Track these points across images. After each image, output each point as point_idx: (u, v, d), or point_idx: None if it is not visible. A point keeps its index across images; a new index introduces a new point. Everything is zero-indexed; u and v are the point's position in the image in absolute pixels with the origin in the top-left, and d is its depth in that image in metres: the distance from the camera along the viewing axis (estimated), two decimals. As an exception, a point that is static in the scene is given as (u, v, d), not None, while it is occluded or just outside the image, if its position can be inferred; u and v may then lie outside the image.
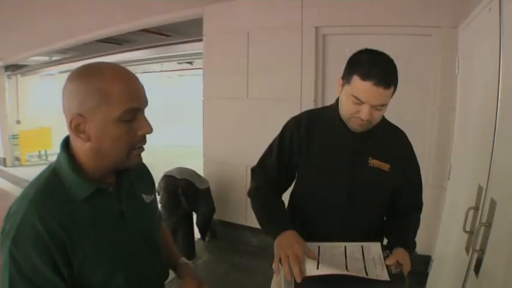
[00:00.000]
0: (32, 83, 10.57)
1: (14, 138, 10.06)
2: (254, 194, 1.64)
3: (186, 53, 5.48)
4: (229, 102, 4.25)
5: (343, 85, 1.42)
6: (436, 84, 3.21)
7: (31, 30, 5.80)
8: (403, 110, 3.24)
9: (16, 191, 7.31)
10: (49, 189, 0.95)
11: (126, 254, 1.05)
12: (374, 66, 1.30)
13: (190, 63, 9.39)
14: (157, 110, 11.03)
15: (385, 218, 1.65)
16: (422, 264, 3.36)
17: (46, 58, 9.21)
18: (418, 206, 1.66)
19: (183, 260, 1.37)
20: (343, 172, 1.51)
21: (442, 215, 3.21)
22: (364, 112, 1.34)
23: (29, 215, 0.89)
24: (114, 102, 0.92)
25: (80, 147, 0.97)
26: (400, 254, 1.35)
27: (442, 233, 3.18)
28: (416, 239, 3.27)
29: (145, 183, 1.22)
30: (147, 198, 1.19)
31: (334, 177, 1.53)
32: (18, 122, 10.25)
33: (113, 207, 1.05)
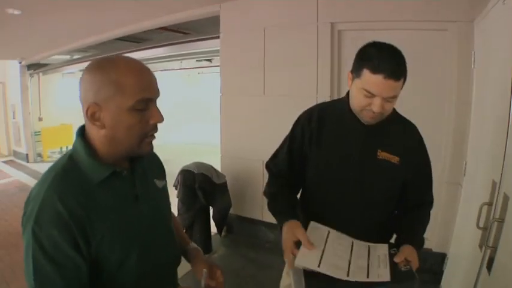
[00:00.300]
0: (53, 82, 10.79)
1: (36, 135, 10.25)
2: (266, 191, 1.69)
3: (204, 50, 5.52)
4: (246, 99, 4.28)
5: (353, 79, 1.44)
6: (453, 79, 3.17)
7: (52, 29, 5.93)
8: (419, 105, 3.23)
9: (38, 185, 7.54)
10: (67, 173, 1.01)
11: (140, 235, 1.10)
12: (383, 60, 1.32)
13: (209, 60, 9.43)
14: (177, 107, 11.23)
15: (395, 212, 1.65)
16: (437, 262, 3.35)
17: (67, 57, 9.38)
18: (428, 201, 1.65)
19: (193, 244, 1.43)
20: (353, 164, 1.53)
21: (457, 212, 3.19)
22: (376, 105, 1.36)
23: (49, 197, 0.95)
24: (127, 92, 0.98)
25: (95, 134, 1.04)
26: (408, 252, 1.37)
27: (457, 230, 3.16)
28: (432, 237, 3.28)
29: (156, 170, 1.29)
30: (159, 183, 1.25)
31: (344, 169, 1.54)
32: (40, 119, 10.45)
33: (127, 190, 1.11)
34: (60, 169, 1.01)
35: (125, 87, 0.98)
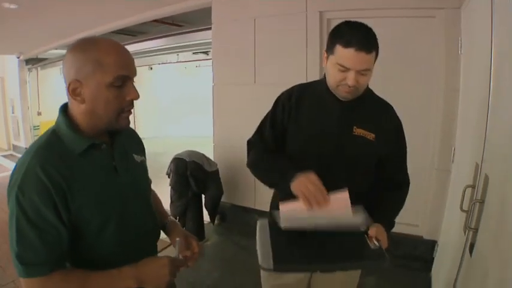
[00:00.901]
0: (51, 76, 10.78)
1: (35, 129, 10.32)
2: (252, 160, 1.73)
3: (200, 42, 5.54)
4: (237, 88, 4.32)
5: (327, 57, 1.49)
6: (441, 66, 3.19)
7: (48, 24, 6.01)
8: (407, 92, 3.27)
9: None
10: (49, 145, 1.08)
11: (118, 204, 1.17)
12: (354, 34, 1.37)
13: (206, 53, 9.42)
14: (175, 100, 11.25)
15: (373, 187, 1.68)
16: (428, 250, 3.40)
17: (65, 51, 9.43)
18: (403, 181, 1.70)
19: (171, 218, 1.50)
20: (330, 139, 1.57)
21: (447, 199, 3.21)
22: (351, 78, 1.40)
23: (32, 166, 1.01)
24: (106, 69, 1.05)
25: (76, 109, 1.11)
26: (378, 231, 1.41)
27: (446, 216, 3.19)
28: (423, 224, 3.33)
29: (135, 146, 1.36)
30: (137, 158, 1.32)
31: (321, 144, 1.58)
32: (39, 113, 10.50)
33: (107, 162, 1.18)
34: (44, 142, 1.09)
35: (105, 65, 1.05)
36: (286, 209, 1.42)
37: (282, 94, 1.73)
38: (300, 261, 1.33)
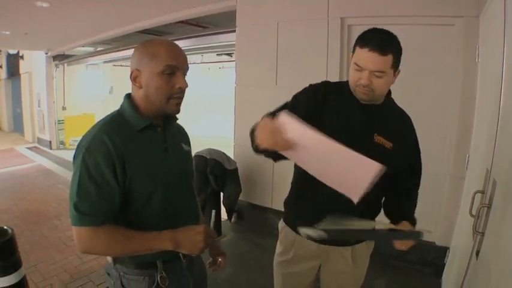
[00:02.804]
0: (77, 72, 11.12)
1: (59, 123, 10.64)
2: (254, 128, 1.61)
3: (223, 43, 5.65)
4: (259, 90, 4.39)
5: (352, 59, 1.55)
6: (458, 74, 3.20)
7: (78, 22, 6.18)
8: (425, 100, 3.29)
9: (59, 170, 7.87)
10: (114, 121, 1.29)
11: (165, 181, 1.33)
12: (372, 36, 1.45)
13: (230, 55, 9.58)
14: (198, 100, 11.36)
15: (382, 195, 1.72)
16: (440, 256, 3.41)
17: (91, 49, 9.67)
18: (417, 182, 1.75)
19: None
20: (350, 144, 1.49)
21: (460, 206, 3.21)
22: (364, 77, 1.45)
23: (99, 134, 1.20)
24: (158, 60, 1.24)
25: (137, 94, 1.32)
26: (408, 226, 1.52)
27: (458, 222, 3.19)
28: (436, 230, 3.40)
29: (183, 138, 1.56)
30: (185, 147, 1.52)
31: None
32: (64, 108, 10.82)
33: (160, 142, 1.36)
34: (109, 119, 1.30)
35: (157, 56, 1.24)
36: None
37: (308, 87, 1.71)
38: (348, 228, 1.35)
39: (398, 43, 1.48)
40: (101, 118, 1.32)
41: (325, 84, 1.71)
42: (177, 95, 1.30)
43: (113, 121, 1.28)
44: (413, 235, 1.49)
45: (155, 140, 1.34)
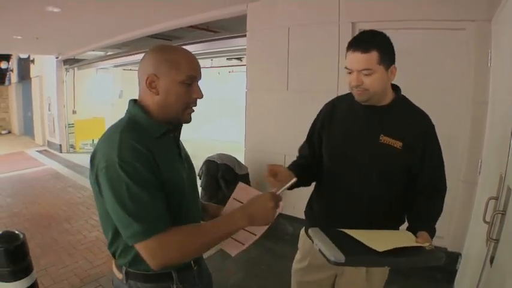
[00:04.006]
0: (87, 76, 11.16)
1: (69, 126, 10.67)
2: None
3: (234, 48, 5.65)
4: (270, 94, 4.40)
5: None
6: (470, 78, 3.17)
7: (88, 26, 6.22)
8: (436, 104, 3.23)
9: (69, 174, 7.91)
10: (132, 128, 1.23)
11: (184, 185, 1.31)
12: (354, 38, 1.51)
13: (240, 59, 9.61)
14: (208, 104, 11.33)
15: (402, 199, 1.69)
16: (452, 262, 3.36)
17: (101, 53, 9.74)
18: (439, 189, 1.68)
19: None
20: (357, 148, 1.62)
21: (472, 211, 3.18)
22: (353, 79, 1.51)
23: (124, 142, 1.15)
24: (181, 69, 1.24)
25: (150, 100, 1.27)
26: (426, 236, 1.44)
27: (470, 228, 3.16)
28: (448, 236, 3.32)
29: (182, 143, 1.51)
30: (187, 152, 1.50)
31: (349, 152, 1.64)
32: (74, 112, 10.85)
33: (174, 148, 1.36)
34: (126, 126, 1.23)
35: (180, 65, 1.23)
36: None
37: (323, 108, 1.83)
38: (368, 255, 1.29)
39: (382, 39, 1.51)
40: (111, 128, 1.27)
41: (336, 98, 1.84)
42: (193, 105, 1.31)
43: (130, 128, 1.22)
44: (429, 259, 1.39)
45: (171, 146, 1.34)
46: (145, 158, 1.15)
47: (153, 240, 1.10)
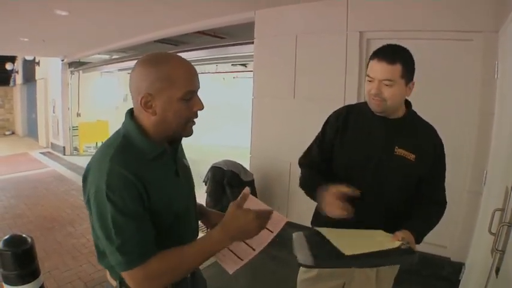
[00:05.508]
0: (92, 79, 11.20)
1: (73, 129, 10.69)
2: (301, 181, 1.85)
3: (239, 54, 5.71)
4: (276, 102, 4.41)
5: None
6: (476, 89, 3.19)
7: (95, 30, 6.25)
8: (442, 114, 3.23)
9: (73, 176, 7.89)
10: (125, 149, 1.17)
11: (179, 203, 1.28)
12: (382, 48, 1.54)
13: (244, 65, 9.65)
14: (212, 110, 11.36)
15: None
16: (455, 272, 3.36)
17: (106, 56, 9.78)
18: (436, 201, 1.72)
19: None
20: (371, 159, 1.64)
21: (477, 222, 3.17)
22: (374, 87, 1.53)
23: (114, 168, 1.10)
24: (178, 85, 1.15)
25: (146, 119, 1.20)
26: (407, 234, 1.46)
27: (474, 239, 3.15)
28: (451, 246, 3.30)
29: (182, 153, 1.46)
30: (186, 162, 1.45)
31: (363, 163, 1.66)
32: (78, 114, 10.88)
33: (171, 166, 1.29)
34: (119, 146, 1.17)
35: (176, 81, 1.15)
36: None
37: (330, 116, 1.83)
38: (337, 258, 1.39)
39: (407, 54, 1.55)
40: (106, 144, 1.22)
41: (346, 107, 1.83)
42: (194, 118, 1.25)
43: (123, 149, 1.16)
44: (399, 260, 1.49)
45: (167, 164, 1.27)
46: (133, 187, 1.10)
47: (138, 271, 1.10)
